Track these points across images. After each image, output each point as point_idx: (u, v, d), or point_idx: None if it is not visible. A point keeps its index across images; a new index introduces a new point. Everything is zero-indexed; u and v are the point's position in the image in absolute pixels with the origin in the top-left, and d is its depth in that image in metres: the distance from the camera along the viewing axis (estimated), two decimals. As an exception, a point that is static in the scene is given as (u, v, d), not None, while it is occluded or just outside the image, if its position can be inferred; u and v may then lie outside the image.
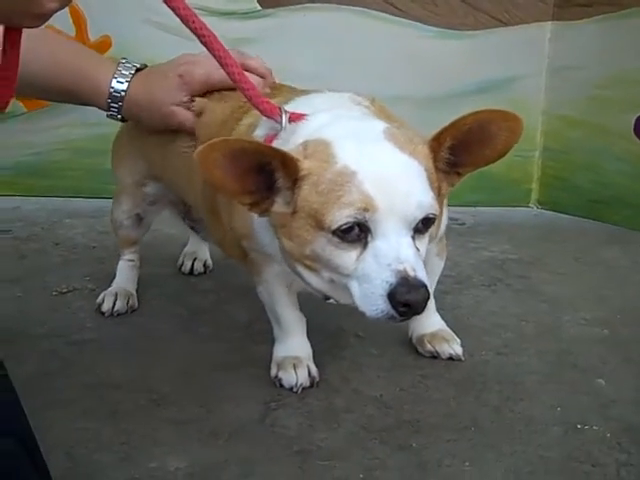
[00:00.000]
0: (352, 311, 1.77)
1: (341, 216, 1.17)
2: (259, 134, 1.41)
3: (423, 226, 1.23)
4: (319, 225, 1.20)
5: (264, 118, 1.38)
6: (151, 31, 2.73)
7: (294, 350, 1.58)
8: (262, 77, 1.63)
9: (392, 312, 1.18)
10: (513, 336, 1.83)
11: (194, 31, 1.27)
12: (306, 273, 1.29)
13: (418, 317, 1.68)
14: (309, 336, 1.62)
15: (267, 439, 1.38)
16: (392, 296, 1.17)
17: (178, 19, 1.27)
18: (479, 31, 2.91)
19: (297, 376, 1.54)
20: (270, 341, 1.62)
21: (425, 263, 1.62)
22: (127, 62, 1.69)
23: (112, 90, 1.66)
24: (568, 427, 1.42)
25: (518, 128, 1.24)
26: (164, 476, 1.26)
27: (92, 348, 1.72)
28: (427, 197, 1.21)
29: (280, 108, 1.36)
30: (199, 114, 1.62)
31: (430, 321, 1.72)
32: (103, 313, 1.89)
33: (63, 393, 1.51)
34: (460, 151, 1.27)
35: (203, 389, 1.54)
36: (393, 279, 1.17)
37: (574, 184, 3.01)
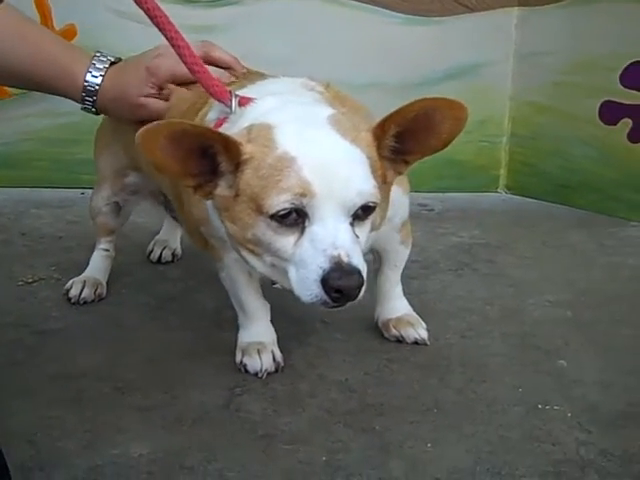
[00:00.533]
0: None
1: (279, 201, 1.17)
2: (211, 117, 1.42)
3: (363, 213, 1.23)
4: (259, 209, 1.20)
5: (216, 102, 1.39)
6: (115, 19, 2.71)
7: (258, 336, 1.59)
8: (227, 66, 1.64)
9: (325, 297, 1.18)
10: (478, 319, 1.84)
11: (146, 12, 1.27)
12: (250, 257, 1.30)
13: (383, 302, 1.72)
14: (275, 322, 1.63)
15: (231, 424, 1.38)
16: (325, 281, 1.17)
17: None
18: (446, 17, 2.91)
19: (261, 361, 1.55)
20: (237, 328, 1.63)
21: (390, 251, 1.65)
22: (102, 56, 1.68)
23: (86, 84, 1.65)
24: (529, 407, 1.44)
25: (462, 116, 1.23)
26: (127, 462, 1.26)
27: (58, 337, 1.72)
28: (367, 184, 1.21)
29: (230, 92, 1.37)
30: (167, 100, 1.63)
31: (396, 305, 1.73)
32: (70, 300, 1.89)
33: (28, 382, 1.51)
34: (406, 139, 1.27)
35: (168, 376, 1.55)
36: (327, 264, 1.17)
37: (542, 169, 3.03)
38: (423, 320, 1.73)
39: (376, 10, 2.89)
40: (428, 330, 1.71)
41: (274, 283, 1.38)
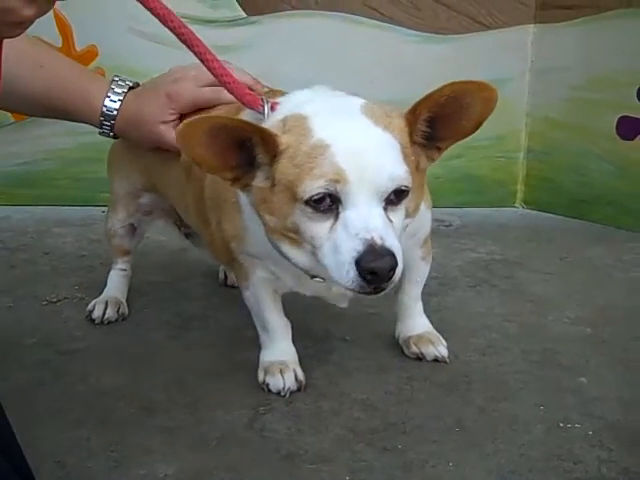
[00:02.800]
0: (339, 314, 1.82)
1: (312, 187, 1.20)
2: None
3: (396, 198, 1.26)
4: (294, 196, 1.23)
5: (247, 110, 1.41)
6: (136, 40, 2.75)
7: (280, 355, 1.61)
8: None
9: (360, 281, 1.20)
10: (498, 336, 1.85)
11: (172, 30, 1.29)
12: (289, 249, 1.31)
13: (404, 318, 1.73)
14: (296, 340, 1.65)
15: (255, 444, 1.40)
16: (358, 264, 1.19)
17: (159, 23, 1.29)
18: (462, 35, 2.94)
19: (284, 380, 1.56)
20: (258, 347, 1.65)
21: (411, 267, 1.67)
22: (120, 80, 1.70)
23: (105, 109, 1.67)
24: (551, 425, 1.45)
25: (493, 98, 1.26)
26: (154, 482, 1.28)
27: (82, 357, 1.74)
28: (399, 169, 1.24)
29: (262, 98, 1.39)
30: None
31: (416, 323, 1.74)
32: (93, 321, 1.91)
33: (54, 403, 1.53)
34: (438, 125, 1.30)
35: (192, 396, 1.57)
36: (360, 247, 1.19)
37: (559, 184, 3.04)
38: (443, 337, 1.74)
39: (393, 28, 2.92)
40: (448, 348, 1.72)
41: (314, 277, 1.39)
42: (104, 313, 1.92)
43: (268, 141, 1.24)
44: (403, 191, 1.26)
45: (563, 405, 1.53)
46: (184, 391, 1.59)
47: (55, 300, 2.05)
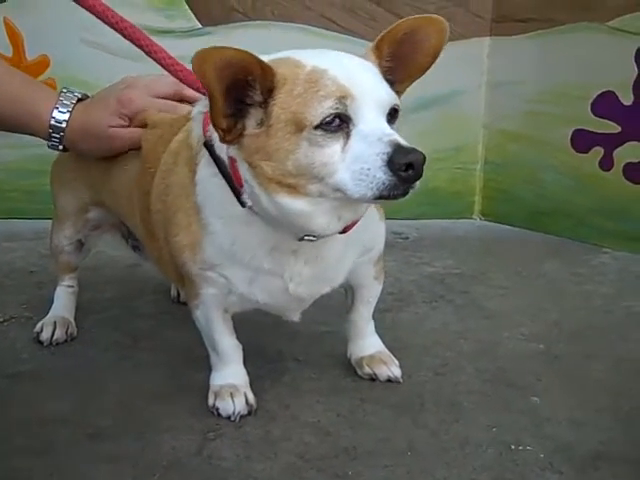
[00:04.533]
0: (292, 334, 1.80)
1: (322, 108, 1.21)
2: (197, 110, 1.43)
3: (391, 118, 1.27)
4: (300, 126, 1.22)
5: (201, 97, 1.40)
6: (89, 50, 2.72)
7: (231, 378, 1.58)
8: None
9: (394, 180, 1.19)
10: (452, 354, 1.84)
11: (113, 26, 1.27)
12: (290, 200, 1.27)
13: (356, 339, 1.71)
14: (248, 361, 1.62)
15: (203, 473, 1.37)
16: (392, 163, 1.19)
17: (113, 33, 1.26)
18: (418, 47, 2.93)
19: (234, 405, 1.53)
20: (209, 367, 1.61)
21: (364, 286, 1.66)
22: (68, 92, 1.67)
23: (53, 120, 1.64)
24: (502, 448, 1.44)
25: (444, 29, 1.34)
26: (96, 515, 1.25)
27: (27, 380, 1.70)
28: (389, 88, 1.28)
29: None
30: (144, 126, 1.63)
31: (368, 343, 1.73)
32: (41, 342, 1.86)
33: (-5, 429, 1.49)
34: (396, 65, 1.34)
35: (140, 421, 1.53)
36: (389, 148, 1.19)
37: (516, 196, 3.06)
38: (397, 355, 1.73)
39: (349, 39, 2.91)
40: (401, 367, 1.71)
41: (306, 236, 1.35)
42: (52, 334, 1.87)
43: (266, 74, 1.22)
44: (396, 111, 1.28)
45: (515, 426, 1.52)
46: (132, 415, 1.55)
47: (2, 320, 2.00)
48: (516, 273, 2.49)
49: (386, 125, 1.24)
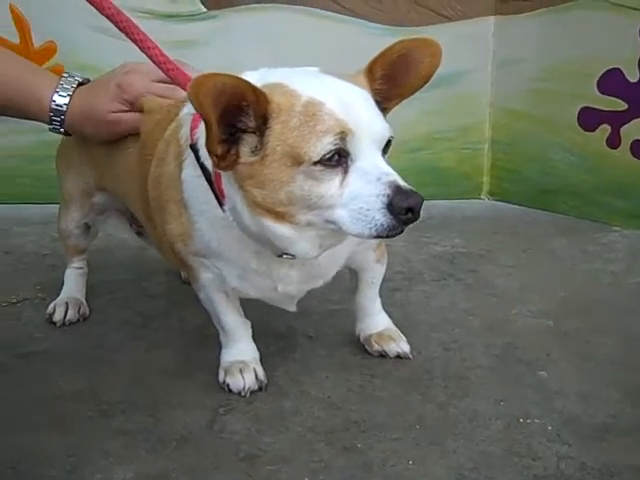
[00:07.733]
0: (303, 311, 1.81)
1: (322, 144, 1.20)
2: (186, 111, 1.43)
3: (385, 147, 1.28)
4: (297, 161, 1.21)
5: (188, 104, 1.37)
6: (96, 36, 2.69)
7: (240, 354, 1.60)
8: None
9: (393, 222, 1.20)
10: (461, 331, 1.86)
11: (110, 17, 1.27)
12: (274, 224, 1.27)
13: (363, 318, 1.73)
14: (258, 338, 1.64)
15: (214, 446, 1.39)
16: (391, 206, 1.19)
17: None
18: (424, 27, 2.91)
19: (244, 380, 1.55)
20: (220, 346, 1.63)
21: (366, 269, 1.67)
22: (69, 76, 1.69)
23: (53, 104, 1.65)
24: (510, 421, 1.46)
25: (438, 52, 1.32)
26: (111, 487, 1.27)
27: (41, 360, 1.72)
28: (384, 119, 1.28)
29: None
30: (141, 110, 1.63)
31: (375, 321, 1.74)
32: (54, 323, 1.89)
33: (11, 407, 1.51)
34: (387, 87, 1.33)
35: (152, 397, 1.55)
36: (388, 190, 1.20)
37: (523, 175, 3.05)
38: (406, 333, 1.75)
39: (354, 21, 2.89)
40: (410, 343, 1.72)
41: (280, 255, 1.36)
42: (65, 314, 1.89)
43: (259, 100, 1.20)
44: (389, 141, 1.28)
45: (523, 400, 1.53)
46: (143, 392, 1.57)
47: (15, 301, 2.03)
48: (524, 251, 2.49)
49: (384, 163, 1.24)
